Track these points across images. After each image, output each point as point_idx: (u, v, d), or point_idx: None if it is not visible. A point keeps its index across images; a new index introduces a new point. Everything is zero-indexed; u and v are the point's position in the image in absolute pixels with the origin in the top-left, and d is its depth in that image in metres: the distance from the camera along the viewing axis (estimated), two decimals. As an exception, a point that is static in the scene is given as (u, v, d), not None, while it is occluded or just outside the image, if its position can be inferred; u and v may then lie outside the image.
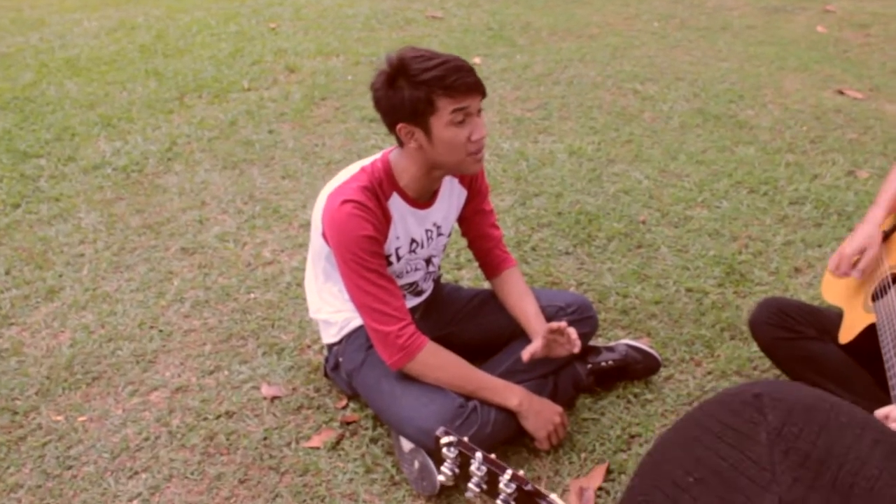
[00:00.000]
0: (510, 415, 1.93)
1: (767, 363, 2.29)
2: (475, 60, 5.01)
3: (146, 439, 2.08)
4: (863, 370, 2.01)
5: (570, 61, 4.96)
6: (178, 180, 3.54)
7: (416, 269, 2.09)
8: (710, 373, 2.27)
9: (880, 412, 1.62)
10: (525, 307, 2.09)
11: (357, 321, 2.05)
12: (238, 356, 2.39)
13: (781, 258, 2.80)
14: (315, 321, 2.19)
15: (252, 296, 2.69)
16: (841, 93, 4.34)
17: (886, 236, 2.10)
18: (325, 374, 2.24)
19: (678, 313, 2.51)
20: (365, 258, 1.84)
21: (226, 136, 4.01)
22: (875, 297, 1.99)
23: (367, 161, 1.95)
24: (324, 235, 1.93)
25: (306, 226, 3.12)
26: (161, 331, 2.52)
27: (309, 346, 2.43)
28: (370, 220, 1.83)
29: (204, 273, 2.83)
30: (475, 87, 1.73)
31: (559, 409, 1.98)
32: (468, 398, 1.91)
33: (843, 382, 2.01)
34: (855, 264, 2.02)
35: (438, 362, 1.92)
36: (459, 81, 1.70)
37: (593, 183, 3.39)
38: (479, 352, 2.22)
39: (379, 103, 1.79)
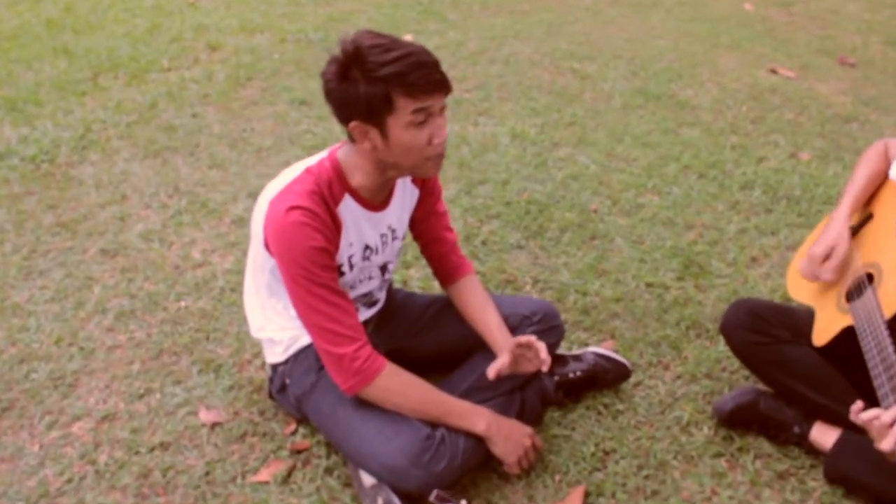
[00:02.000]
0: (479, 440, 1.79)
1: (736, 364, 2.22)
2: (406, 37, 4.80)
3: (69, 481, 1.84)
4: (838, 373, 1.95)
5: (505, 38, 4.81)
6: (94, 171, 3.23)
7: (371, 278, 1.91)
8: (679, 377, 2.18)
9: (867, 415, 1.56)
10: (487, 319, 1.94)
11: (305, 339, 1.86)
12: (171, 375, 2.17)
13: (737, 247, 2.74)
14: (257, 339, 1.99)
15: (183, 304, 2.46)
16: (774, 72, 4.33)
17: (854, 232, 2.03)
18: (270, 396, 2.04)
19: (640, 311, 2.42)
20: (315, 272, 1.65)
21: (145, 120, 3.69)
22: (850, 297, 1.92)
23: (312, 161, 1.74)
24: (267, 246, 1.73)
25: (238, 222, 2.88)
26: (82, 348, 2.27)
27: (249, 362, 2.22)
28: (320, 230, 1.64)
29: (128, 278, 2.57)
30: (440, 85, 1.54)
31: (529, 430, 1.85)
32: (433, 425, 1.76)
33: (818, 387, 1.96)
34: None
35: (398, 387, 1.75)
36: (423, 79, 1.50)
37: (539, 169, 3.25)
38: (437, 365, 2.08)
39: (330, 95, 1.59)
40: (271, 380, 2.00)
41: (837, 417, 1.95)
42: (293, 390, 1.91)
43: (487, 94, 4.00)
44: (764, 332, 1.98)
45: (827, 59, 4.57)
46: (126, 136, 3.53)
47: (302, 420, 2.00)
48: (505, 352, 1.81)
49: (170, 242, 2.77)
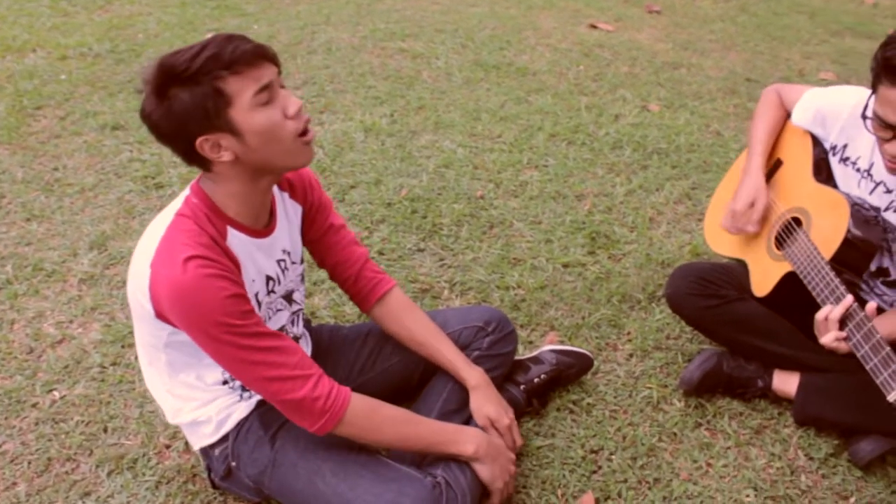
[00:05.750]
0: (472, 470, 1.62)
1: (678, 329, 2.21)
2: (207, 38, 4.37)
3: None
4: (784, 320, 1.98)
5: (317, 25, 4.52)
6: None
7: (279, 310, 1.65)
8: (631, 355, 2.13)
9: (819, 314, 1.65)
10: (432, 342, 1.76)
11: (240, 408, 1.61)
12: (74, 487, 1.77)
13: (631, 210, 2.73)
14: (177, 426, 1.67)
15: (56, 394, 2.03)
16: (594, 27, 4.42)
17: (767, 179, 2.06)
18: (213, 486, 1.73)
19: (569, 295, 2.33)
20: (236, 324, 1.39)
21: (-80, 177, 3.04)
22: (780, 244, 1.95)
23: (176, 203, 1.47)
24: (161, 317, 1.42)
25: (89, 280, 2.44)
26: (-61, 481, 1.80)
27: (168, 447, 1.87)
28: (224, 275, 1.38)
29: (-31, 378, 2.09)
30: (261, 53, 1.34)
31: (511, 455, 1.70)
32: (420, 464, 1.59)
33: (772, 337, 1.98)
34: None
35: (373, 423, 1.55)
36: (239, 50, 1.31)
37: (407, 162, 3.07)
38: (390, 401, 1.87)
39: (159, 129, 1.35)
40: (208, 468, 1.69)
41: (793, 362, 1.99)
42: (247, 471, 1.62)
43: (320, 87, 3.72)
44: (712, 294, 1.97)
45: (636, 8, 4.74)
46: None
47: (260, 502, 1.71)
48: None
49: (9, 321, 2.29)
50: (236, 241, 1.47)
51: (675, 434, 1.90)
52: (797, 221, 1.93)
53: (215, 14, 4.76)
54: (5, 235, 2.67)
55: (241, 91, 1.31)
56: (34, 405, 2.00)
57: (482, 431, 1.68)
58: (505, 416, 1.73)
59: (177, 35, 4.41)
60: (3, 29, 4.52)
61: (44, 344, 2.20)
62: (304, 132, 1.40)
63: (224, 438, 1.62)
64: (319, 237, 1.73)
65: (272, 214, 1.57)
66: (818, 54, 4.40)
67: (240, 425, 1.62)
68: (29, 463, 1.84)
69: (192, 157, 1.38)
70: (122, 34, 4.45)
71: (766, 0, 5.37)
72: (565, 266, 2.46)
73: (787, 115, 2.08)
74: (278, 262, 1.59)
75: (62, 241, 2.64)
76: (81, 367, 2.12)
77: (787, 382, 1.98)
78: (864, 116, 1.65)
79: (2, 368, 2.11)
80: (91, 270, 2.49)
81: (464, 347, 1.83)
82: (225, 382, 1.59)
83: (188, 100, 1.30)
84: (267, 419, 1.63)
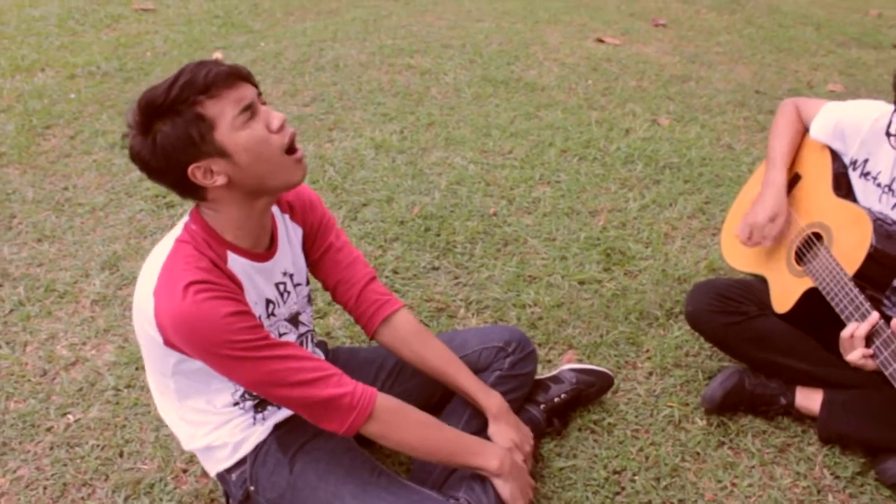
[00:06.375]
0: (495, 492, 1.60)
1: (696, 346, 2.18)
2: (216, 55, 4.37)
3: None
4: (806, 336, 1.96)
5: (324, 42, 4.52)
6: None
7: (284, 334, 1.63)
8: (651, 373, 2.10)
9: (845, 332, 1.63)
10: (449, 371, 1.71)
11: (256, 432, 1.59)
12: (91, 513, 1.76)
13: (646, 226, 2.72)
14: (191, 452, 1.65)
15: (71, 417, 2.01)
16: (601, 41, 4.42)
17: (787, 192, 2.05)
18: (232, 508, 1.71)
19: (586, 313, 2.31)
20: (244, 339, 1.38)
21: (-70, 198, 3.04)
22: (800, 261, 1.93)
23: (175, 231, 1.47)
24: (169, 344, 1.41)
25: (101, 301, 2.43)
26: (-46, 509, 1.78)
27: (185, 471, 1.85)
28: (226, 296, 1.38)
29: (-17, 402, 2.07)
30: (235, 74, 1.35)
31: (530, 480, 1.68)
32: (444, 488, 1.56)
33: (792, 354, 1.96)
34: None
35: (401, 419, 1.52)
36: (213, 73, 1.32)
37: (419, 179, 3.05)
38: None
39: (149, 165, 1.36)
40: (226, 494, 1.67)
41: (816, 379, 1.97)
42: (267, 495, 1.60)
43: (329, 105, 3.71)
44: (733, 311, 1.95)
45: (641, 22, 4.75)
46: (-87, 221, 2.89)
47: (280, 527, 1.69)
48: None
49: (22, 343, 2.28)
50: (237, 264, 1.46)
51: (698, 453, 1.88)
52: (817, 237, 1.92)
53: (222, 32, 4.77)
54: (17, 256, 2.67)
55: (222, 113, 1.32)
56: (49, 429, 1.98)
57: (506, 449, 1.66)
58: (527, 442, 1.71)
59: (184, 53, 4.42)
60: (11, 49, 4.53)
61: (57, 366, 2.19)
62: (291, 148, 1.40)
63: (241, 462, 1.61)
64: (320, 256, 1.71)
65: (273, 238, 1.56)
66: (825, 66, 4.40)
67: (257, 449, 1.60)
68: (44, 488, 1.82)
69: (186, 188, 1.38)
70: (130, 52, 4.46)
71: (771, 12, 5.38)
72: (581, 283, 2.44)
73: (806, 130, 2.07)
74: (277, 285, 1.58)
75: (74, 261, 2.63)
76: (96, 389, 2.10)
77: (810, 399, 1.95)
78: (888, 134, 1.64)
79: (15, 391, 2.10)
80: (103, 291, 2.47)
81: (484, 368, 1.81)
82: (236, 404, 1.57)
83: (172, 131, 1.31)
84: (285, 442, 1.61)
